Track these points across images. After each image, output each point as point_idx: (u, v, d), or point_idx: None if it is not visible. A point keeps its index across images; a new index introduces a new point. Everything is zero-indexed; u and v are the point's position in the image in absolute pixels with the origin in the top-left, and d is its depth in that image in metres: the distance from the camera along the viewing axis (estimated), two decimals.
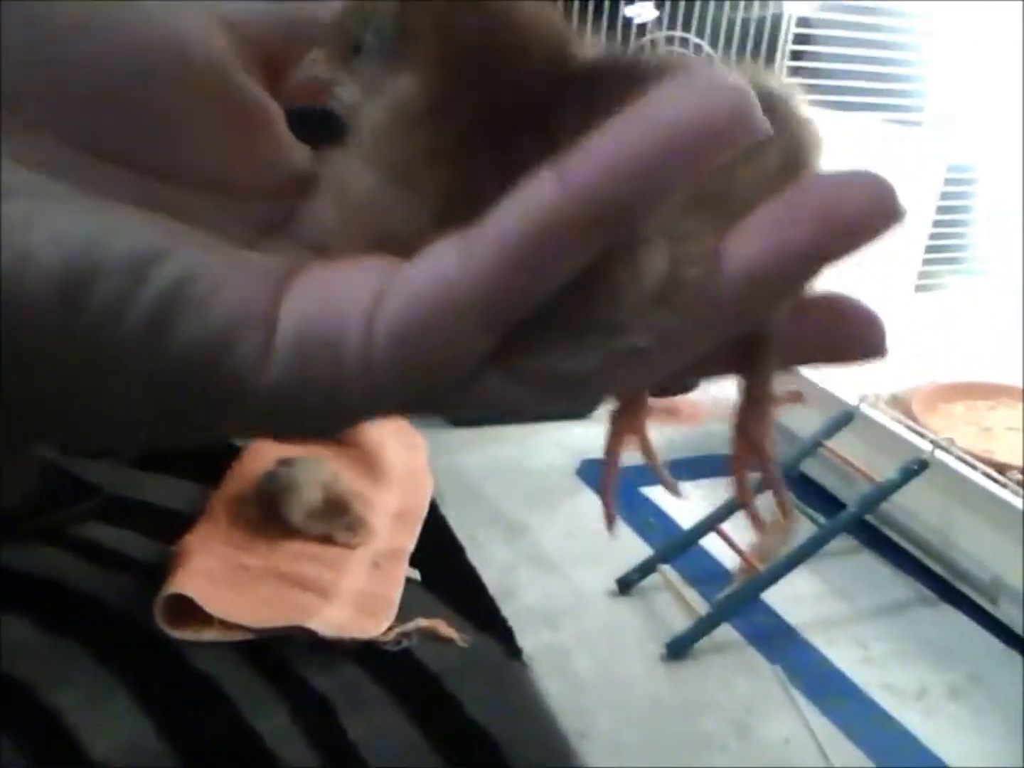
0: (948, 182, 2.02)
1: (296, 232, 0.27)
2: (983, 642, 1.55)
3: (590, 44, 0.24)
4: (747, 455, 0.31)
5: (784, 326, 0.22)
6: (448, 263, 0.18)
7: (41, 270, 0.18)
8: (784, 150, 0.24)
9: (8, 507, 0.78)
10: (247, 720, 0.56)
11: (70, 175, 0.20)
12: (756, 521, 0.33)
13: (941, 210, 2.05)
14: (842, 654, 1.50)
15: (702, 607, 1.51)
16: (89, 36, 0.22)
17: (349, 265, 0.19)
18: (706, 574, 1.63)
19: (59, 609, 0.64)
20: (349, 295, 0.18)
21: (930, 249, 2.09)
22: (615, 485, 0.33)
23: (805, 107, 0.26)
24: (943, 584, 1.68)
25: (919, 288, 2.14)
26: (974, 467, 1.57)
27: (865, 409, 1.73)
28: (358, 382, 0.18)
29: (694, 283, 0.19)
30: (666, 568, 1.61)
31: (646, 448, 0.34)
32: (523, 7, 0.23)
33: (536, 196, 0.17)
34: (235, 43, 0.26)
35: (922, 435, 1.65)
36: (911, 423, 1.70)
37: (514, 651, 0.76)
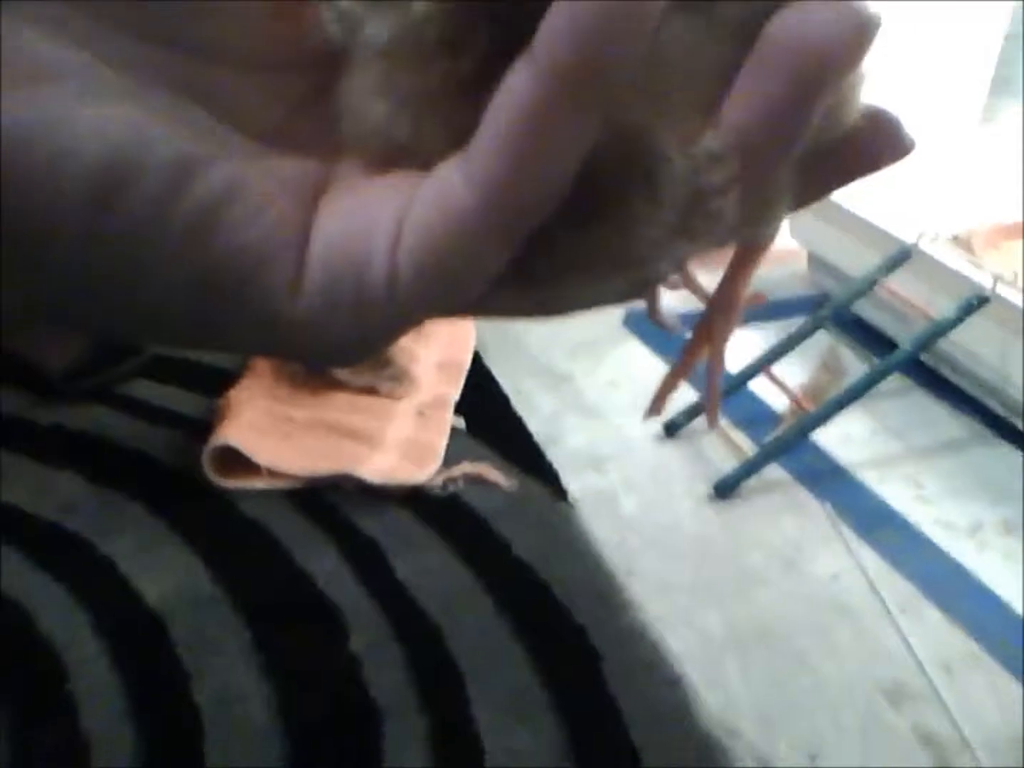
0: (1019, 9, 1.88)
1: (328, 109, 0.25)
2: None
3: None
4: (702, 346, 0.32)
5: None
6: (453, 182, 0.18)
7: (81, 166, 0.17)
8: None
9: (57, 369, 0.78)
10: (297, 563, 0.58)
11: (103, 49, 0.20)
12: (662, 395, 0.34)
13: (1009, 38, 1.92)
14: (894, 492, 1.51)
15: (750, 448, 1.51)
16: None
17: (373, 184, 0.19)
18: (755, 417, 1.62)
19: (109, 464, 0.65)
20: (372, 222, 0.18)
21: (996, 80, 1.98)
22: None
23: None
24: (999, 421, 1.66)
25: (984, 120, 2.03)
26: None
27: (924, 247, 1.67)
28: (383, 307, 0.18)
29: (717, 212, 0.18)
30: None
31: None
32: None
33: (513, 88, 0.17)
34: None
35: (983, 270, 1.60)
36: (972, 258, 1.65)
37: (560, 493, 0.77)
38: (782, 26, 0.18)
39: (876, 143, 0.21)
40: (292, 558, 0.58)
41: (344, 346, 0.20)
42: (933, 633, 1.24)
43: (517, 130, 0.17)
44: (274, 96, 0.25)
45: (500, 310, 0.21)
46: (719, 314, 0.30)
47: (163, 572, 0.52)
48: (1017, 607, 1.29)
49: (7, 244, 0.18)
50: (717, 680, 1.06)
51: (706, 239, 0.19)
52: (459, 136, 0.19)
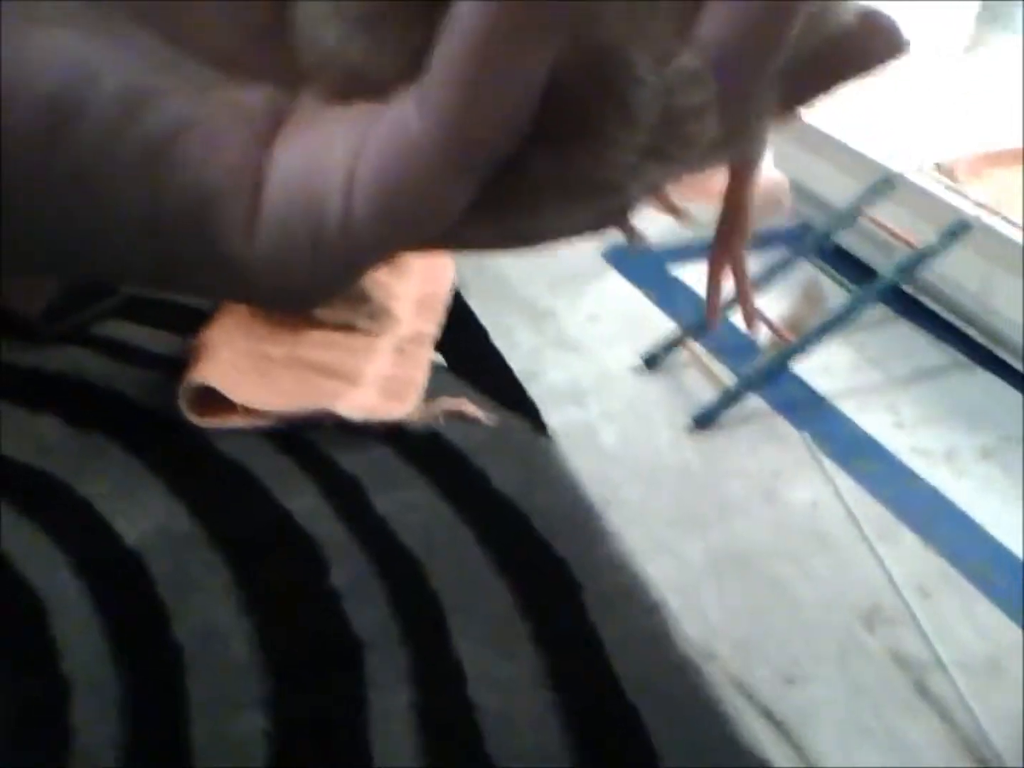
0: None
1: (288, 35, 0.24)
2: (1017, 404, 1.55)
3: None
4: (723, 263, 0.32)
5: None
6: (408, 114, 0.17)
7: (32, 97, 0.17)
8: None
9: (34, 311, 0.77)
10: (277, 500, 0.58)
11: None
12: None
13: None
14: (872, 420, 1.52)
15: (730, 379, 1.51)
16: None
17: (330, 118, 0.19)
18: (735, 348, 1.63)
19: (86, 406, 0.64)
20: (328, 159, 0.18)
21: (982, 7, 1.94)
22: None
23: None
24: (979, 349, 1.67)
25: (968, 49, 2.00)
26: (1019, 227, 1.52)
27: (907, 175, 1.66)
28: (340, 245, 0.18)
29: (692, 135, 0.18)
30: (693, 343, 1.61)
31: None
32: None
33: (463, 15, 0.16)
34: None
35: (966, 198, 1.59)
36: (954, 186, 1.64)
37: (540, 427, 0.77)
38: None
39: (869, 43, 0.21)
40: (271, 496, 0.59)
41: (304, 286, 0.19)
42: (909, 557, 1.26)
43: (469, 59, 0.16)
44: (234, 21, 0.24)
45: (473, 241, 0.20)
46: (732, 231, 0.31)
47: (142, 512, 0.52)
48: (993, 530, 1.31)
49: None
50: (696, 607, 1.07)
51: (682, 163, 0.19)
52: (415, 58, 0.18)
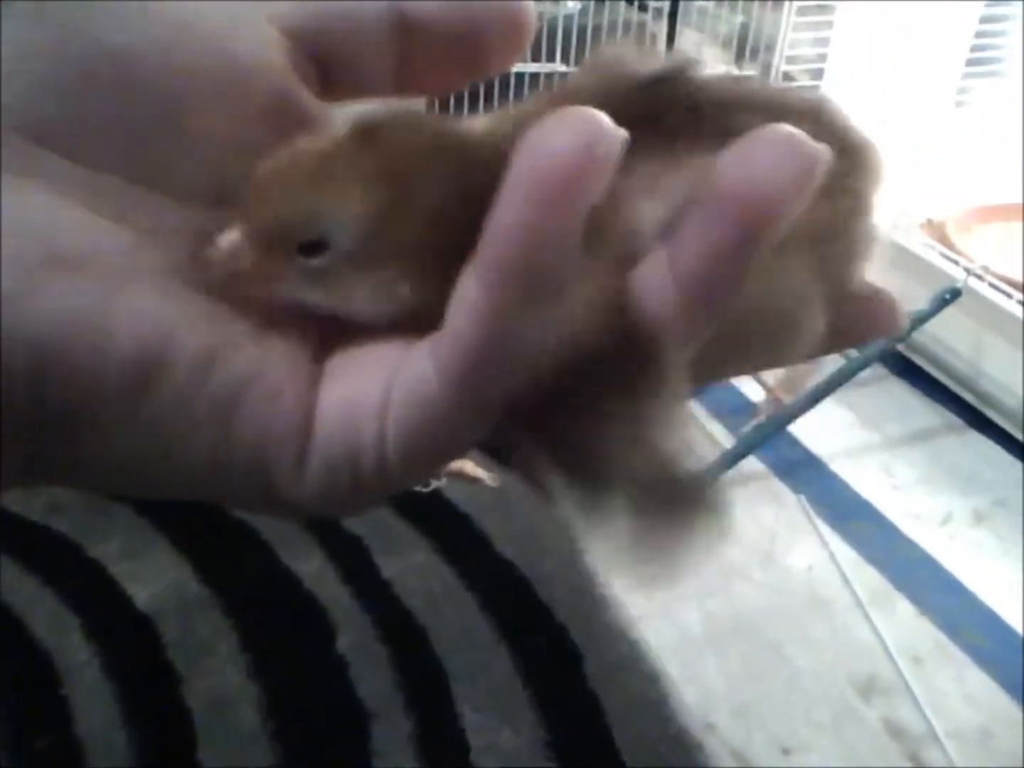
0: None
1: None
2: (1010, 468, 1.57)
3: None
4: None
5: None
6: (426, 374, 0.19)
7: (115, 362, 0.18)
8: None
9: None
10: (284, 562, 0.58)
11: (125, 211, 0.20)
12: None
13: (984, 19, 1.93)
14: (867, 482, 1.53)
15: (727, 441, 1.53)
16: (143, 62, 0.21)
17: (362, 360, 0.21)
18: (731, 408, 1.64)
19: None
20: (362, 410, 0.20)
21: (971, 62, 1.98)
22: None
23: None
24: (971, 411, 1.69)
25: (958, 104, 2.04)
26: (1008, 295, 1.54)
27: (898, 237, 1.68)
28: (375, 484, 0.20)
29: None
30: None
31: None
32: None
33: (466, 301, 0.18)
34: (291, 52, 0.24)
35: (956, 262, 1.62)
36: (945, 250, 1.67)
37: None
38: (724, 170, 0.18)
39: (870, 322, 0.22)
40: (278, 558, 0.59)
41: (342, 512, 0.23)
42: (904, 625, 1.26)
43: (474, 331, 0.18)
44: None
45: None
46: None
47: (152, 574, 0.52)
48: (984, 598, 1.32)
49: (43, 431, 0.19)
50: (694, 674, 1.07)
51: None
52: (446, 290, 0.20)
